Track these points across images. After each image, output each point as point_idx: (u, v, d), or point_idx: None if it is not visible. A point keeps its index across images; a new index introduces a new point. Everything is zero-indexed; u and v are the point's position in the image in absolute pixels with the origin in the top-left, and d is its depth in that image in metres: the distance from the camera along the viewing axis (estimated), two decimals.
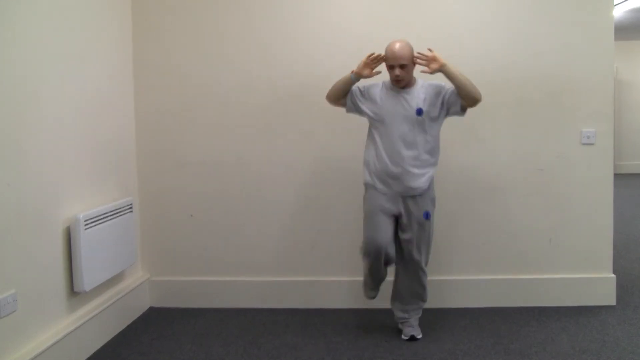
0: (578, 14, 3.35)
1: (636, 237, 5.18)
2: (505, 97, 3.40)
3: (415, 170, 2.85)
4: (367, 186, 2.97)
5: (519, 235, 3.46)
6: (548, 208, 3.44)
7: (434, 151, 2.91)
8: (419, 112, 2.83)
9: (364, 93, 2.97)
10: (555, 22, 3.36)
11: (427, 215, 2.91)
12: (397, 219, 2.94)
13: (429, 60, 2.80)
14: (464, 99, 2.79)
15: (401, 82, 2.84)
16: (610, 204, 3.42)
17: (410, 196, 2.88)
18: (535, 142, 3.42)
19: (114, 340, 3.07)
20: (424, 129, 2.85)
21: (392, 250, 2.92)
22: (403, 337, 2.99)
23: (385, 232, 2.88)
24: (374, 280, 3.01)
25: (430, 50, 2.81)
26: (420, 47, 2.90)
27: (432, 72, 2.80)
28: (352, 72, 2.90)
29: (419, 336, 2.98)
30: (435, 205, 2.99)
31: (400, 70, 2.80)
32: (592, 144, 3.39)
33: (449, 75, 2.77)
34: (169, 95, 3.52)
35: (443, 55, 2.80)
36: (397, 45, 2.80)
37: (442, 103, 2.85)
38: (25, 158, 2.45)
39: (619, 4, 6.83)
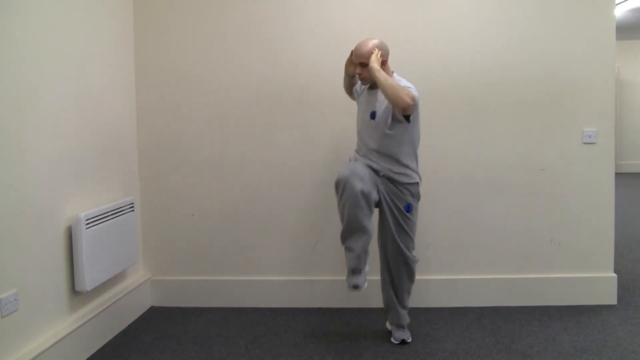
0: (579, 13, 3.35)
1: (637, 237, 5.17)
2: (506, 97, 3.40)
3: (380, 164, 2.79)
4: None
5: (521, 234, 3.46)
6: (549, 207, 3.44)
7: (400, 154, 2.76)
8: (372, 115, 2.79)
9: (357, 88, 3.04)
10: (556, 21, 3.36)
11: (409, 208, 2.81)
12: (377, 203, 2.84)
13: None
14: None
15: (364, 80, 2.81)
16: (611, 203, 3.42)
17: (388, 178, 2.78)
18: (536, 142, 3.42)
19: (115, 339, 3.07)
20: (380, 131, 2.75)
21: (370, 188, 2.69)
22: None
23: (362, 173, 2.70)
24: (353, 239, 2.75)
25: (373, 51, 2.71)
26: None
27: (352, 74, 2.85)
28: None
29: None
30: (418, 201, 2.88)
31: (361, 68, 2.74)
32: (593, 144, 3.39)
33: (374, 79, 2.66)
34: (170, 94, 3.52)
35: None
36: (360, 44, 2.74)
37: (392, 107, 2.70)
38: (26, 158, 2.45)
39: (620, 3, 6.82)
